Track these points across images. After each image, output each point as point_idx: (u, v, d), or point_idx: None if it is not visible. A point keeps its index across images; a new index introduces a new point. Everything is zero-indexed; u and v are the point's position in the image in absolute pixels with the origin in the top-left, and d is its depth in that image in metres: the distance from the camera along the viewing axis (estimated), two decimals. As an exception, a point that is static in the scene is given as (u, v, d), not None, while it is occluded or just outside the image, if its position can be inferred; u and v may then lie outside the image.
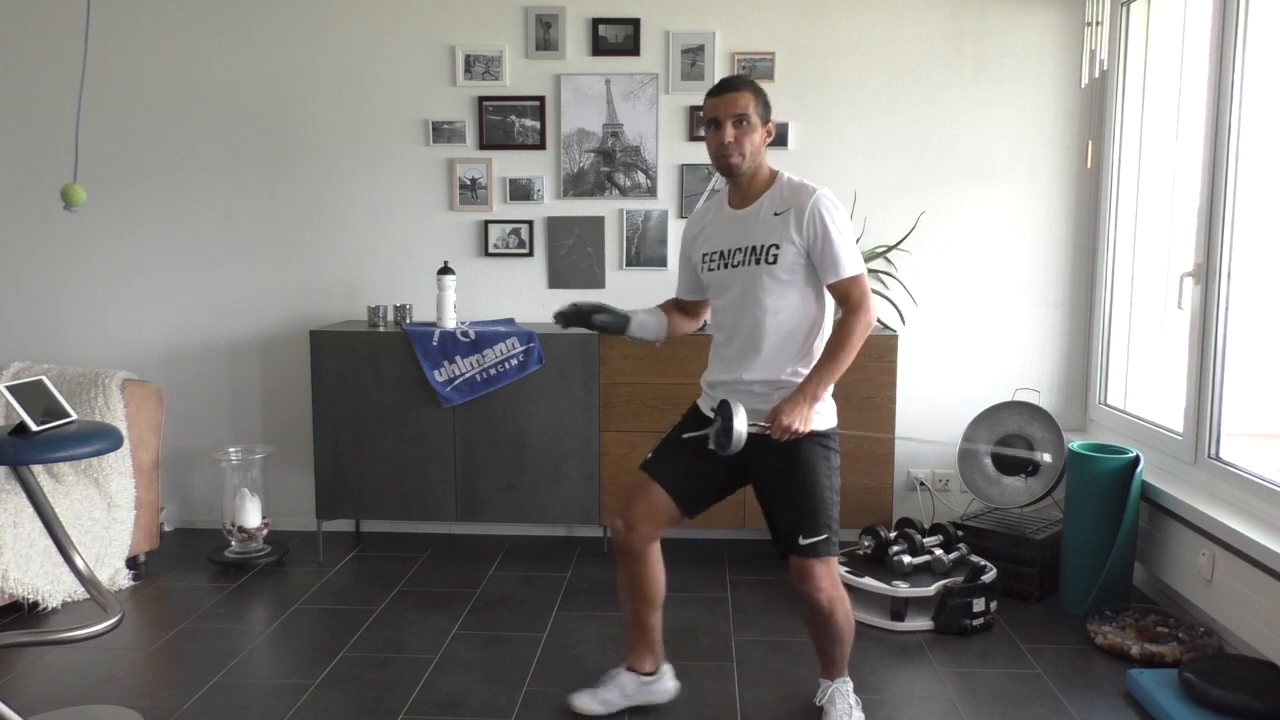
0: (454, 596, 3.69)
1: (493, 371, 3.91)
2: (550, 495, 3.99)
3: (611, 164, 4.25)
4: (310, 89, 4.27)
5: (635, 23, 4.17)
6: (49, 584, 3.44)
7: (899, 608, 3.39)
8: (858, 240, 4.05)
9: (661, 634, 2.83)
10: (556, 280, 4.32)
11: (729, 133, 2.52)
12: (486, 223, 4.30)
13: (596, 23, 4.18)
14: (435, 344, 3.91)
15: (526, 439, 3.96)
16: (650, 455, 2.75)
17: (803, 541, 2.54)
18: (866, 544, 3.67)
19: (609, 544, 4.19)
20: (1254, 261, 3.23)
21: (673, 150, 4.24)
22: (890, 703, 2.91)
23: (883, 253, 4.13)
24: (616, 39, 4.19)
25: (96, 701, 2.89)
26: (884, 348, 3.89)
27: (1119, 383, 4.08)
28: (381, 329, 4.04)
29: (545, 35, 4.19)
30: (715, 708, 2.87)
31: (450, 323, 3.98)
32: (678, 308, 2.89)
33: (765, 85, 4.08)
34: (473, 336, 3.92)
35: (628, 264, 4.30)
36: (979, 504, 4.04)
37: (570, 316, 2.74)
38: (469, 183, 4.28)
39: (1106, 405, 4.11)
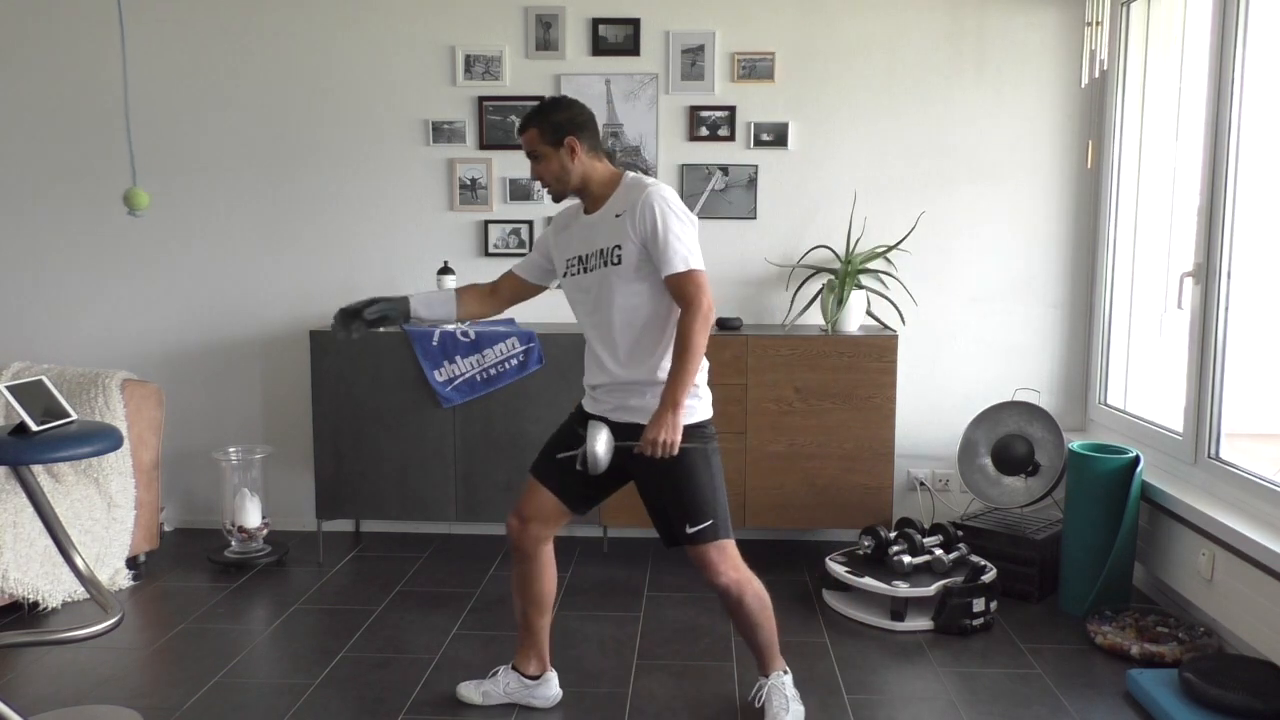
0: (454, 596, 3.69)
1: (493, 371, 3.91)
2: (550, 495, 3.98)
3: (611, 164, 4.24)
4: (310, 89, 4.27)
5: (635, 23, 4.17)
6: (49, 584, 3.44)
7: (899, 608, 3.39)
8: (857, 241, 4.11)
9: (549, 639, 2.87)
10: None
11: (532, 169, 2.63)
12: (486, 223, 4.30)
13: (596, 23, 4.18)
14: (435, 344, 3.91)
15: (526, 439, 3.96)
16: (537, 457, 2.80)
17: (689, 530, 2.58)
18: (866, 544, 3.67)
19: (609, 544, 4.20)
20: (1254, 261, 3.23)
21: (673, 150, 4.24)
22: (890, 703, 2.91)
23: (883, 253, 4.13)
24: (616, 39, 4.19)
25: (96, 701, 2.89)
26: (884, 348, 3.90)
27: (1119, 383, 4.08)
28: (381, 329, 4.03)
29: (545, 35, 4.20)
30: (715, 708, 2.87)
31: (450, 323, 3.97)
32: (491, 288, 2.88)
33: (765, 85, 4.17)
34: (473, 336, 3.92)
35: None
36: (979, 504, 4.04)
37: (342, 324, 2.70)
38: (469, 183, 4.28)
39: (1106, 405, 4.11)
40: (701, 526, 2.58)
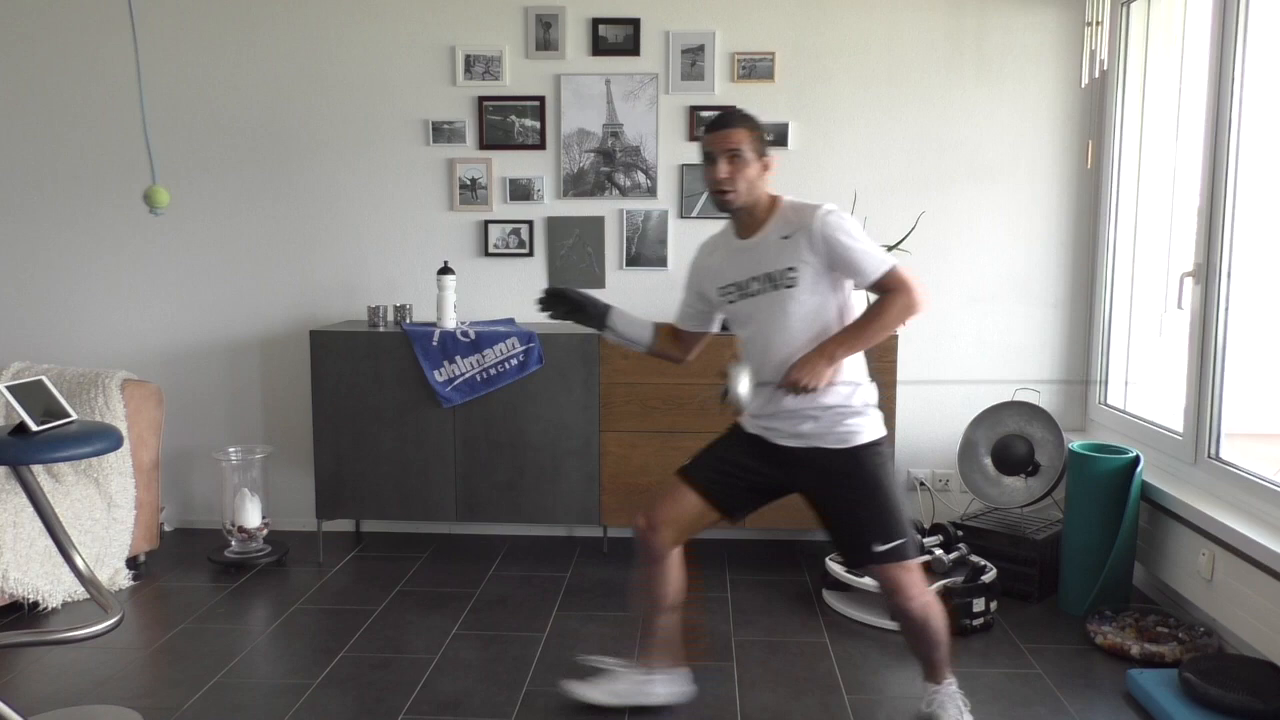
0: (454, 596, 3.69)
1: (493, 371, 3.91)
2: (550, 495, 3.99)
3: (611, 164, 4.25)
4: (310, 89, 4.27)
5: (635, 23, 4.17)
6: (49, 584, 3.44)
7: (899, 608, 3.39)
8: (858, 240, 4.11)
9: (673, 639, 2.81)
10: (556, 280, 4.32)
11: (723, 168, 2.52)
12: (486, 223, 4.31)
13: (596, 23, 4.18)
14: (435, 344, 3.91)
15: (526, 439, 3.96)
16: (688, 461, 2.75)
17: (878, 548, 2.50)
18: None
19: (609, 544, 4.19)
20: (1254, 261, 3.23)
21: (673, 150, 4.24)
22: (890, 702, 2.91)
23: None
24: (616, 39, 4.19)
25: (96, 701, 2.89)
26: (884, 347, 3.89)
27: (1119, 383, 4.08)
28: (381, 329, 4.04)
29: (545, 35, 4.19)
30: (715, 708, 2.87)
31: (450, 323, 3.98)
32: (671, 333, 2.86)
33: (765, 86, 4.17)
34: (473, 336, 3.92)
35: (628, 264, 4.30)
36: (979, 504, 4.04)
37: (549, 301, 2.72)
38: (469, 183, 4.28)
39: (1106, 405, 4.11)
40: (891, 545, 2.50)
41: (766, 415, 2.62)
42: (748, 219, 2.60)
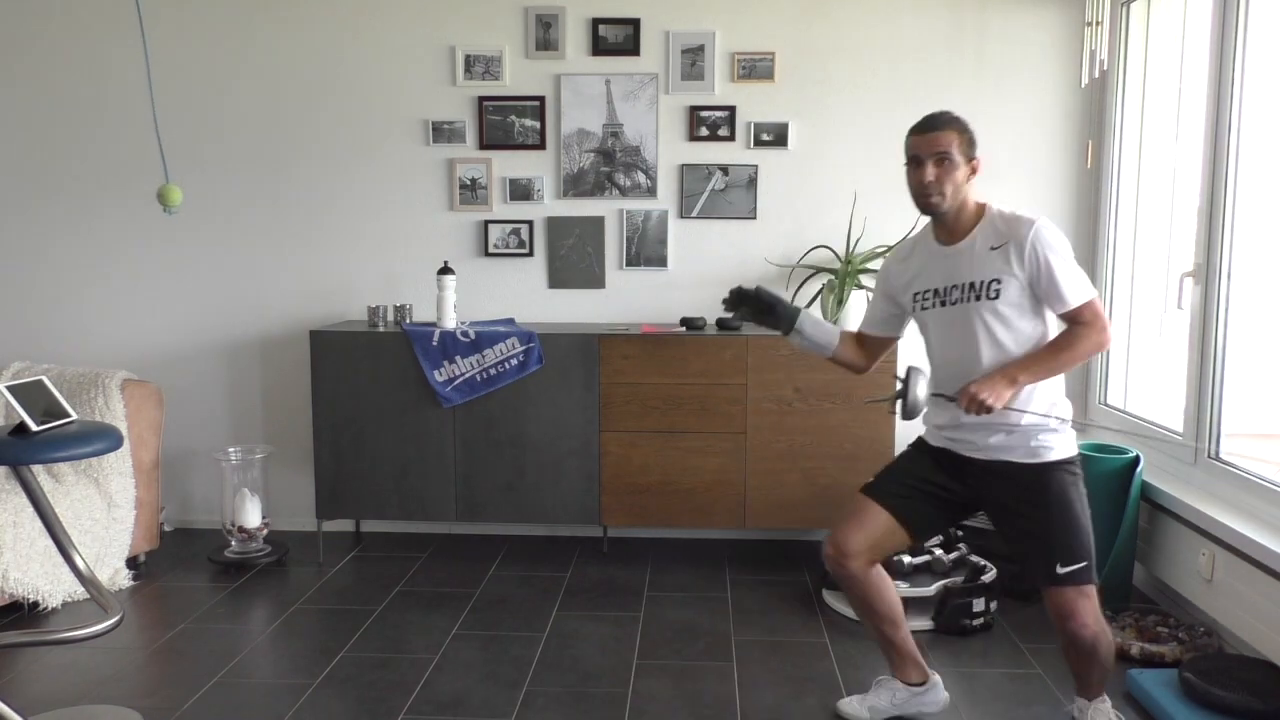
0: (454, 596, 3.69)
1: (493, 371, 3.91)
2: (550, 495, 3.98)
3: (611, 164, 4.25)
4: (310, 89, 4.27)
5: (635, 23, 4.17)
6: (49, 584, 3.44)
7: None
8: (857, 241, 4.11)
9: (915, 646, 2.77)
10: (556, 280, 4.32)
11: (930, 171, 2.45)
12: (486, 223, 4.30)
13: (596, 23, 4.18)
14: (435, 344, 3.91)
15: (526, 439, 3.96)
16: (873, 480, 2.70)
17: (1060, 570, 2.43)
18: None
19: (609, 544, 4.20)
20: (1254, 261, 3.23)
21: (673, 150, 4.24)
22: (890, 703, 2.91)
23: (883, 253, 4.12)
24: (616, 39, 4.19)
25: (96, 701, 2.89)
26: (884, 348, 3.89)
27: (1119, 383, 4.08)
28: (381, 329, 4.04)
29: (545, 35, 4.19)
30: (715, 708, 2.87)
31: (450, 323, 3.98)
32: (856, 339, 2.82)
33: (765, 86, 4.17)
34: (473, 336, 3.92)
35: (628, 264, 4.30)
36: (979, 504, 4.03)
37: (736, 300, 2.70)
38: (469, 183, 4.28)
39: (1106, 405, 4.11)
40: (1075, 568, 2.43)
41: (954, 426, 2.56)
42: (952, 224, 2.52)
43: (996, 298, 2.45)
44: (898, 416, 2.46)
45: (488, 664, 3.13)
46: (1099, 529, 3.40)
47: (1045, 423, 2.50)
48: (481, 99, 4.24)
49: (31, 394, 2.57)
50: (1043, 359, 2.44)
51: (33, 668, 3.10)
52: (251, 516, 4.03)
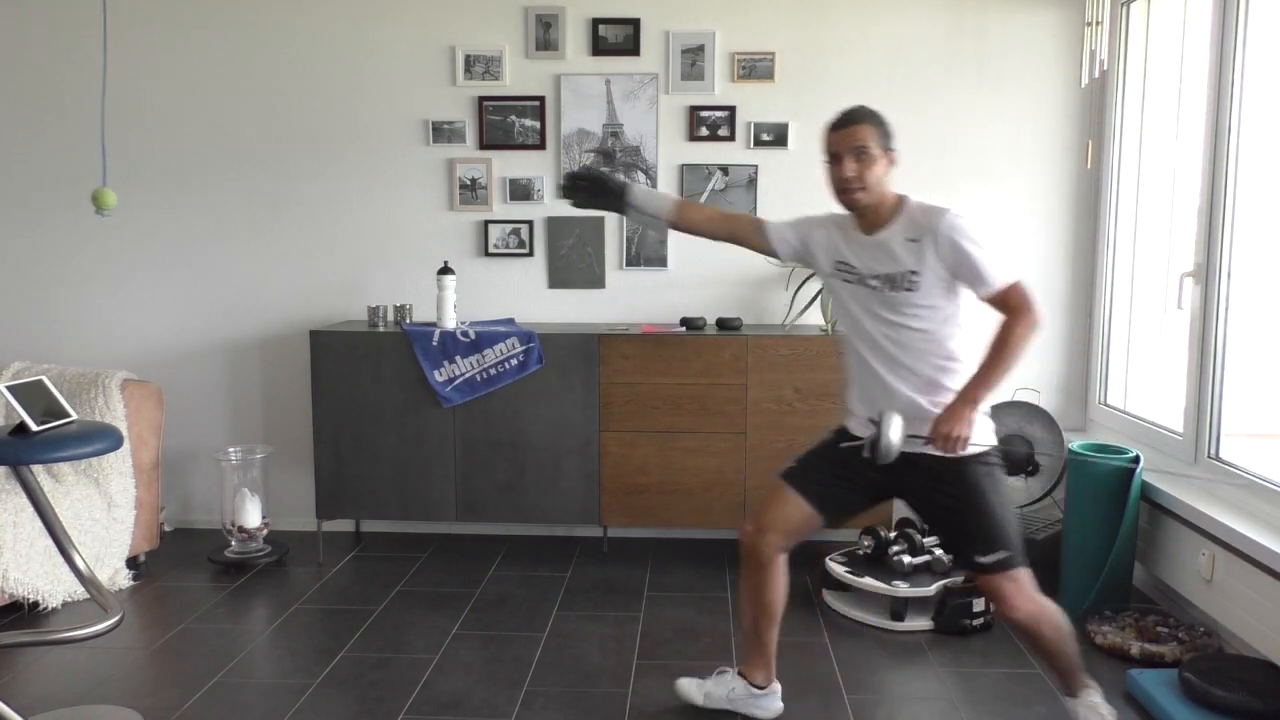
0: (454, 596, 3.69)
1: (493, 371, 3.91)
2: (550, 495, 3.99)
3: (611, 164, 4.25)
4: (310, 89, 4.27)
5: (635, 23, 4.17)
6: (49, 584, 3.44)
7: (899, 608, 3.39)
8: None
9: (774, 652, 2.78)
10: (556, 280, 4.32)
11: (850, 166, 2.48)
12: (486, 223, 4.30)
13: (596, 23, 4.18)
14: (435, 344, 3.92)
15: (526, 439, 3.96)
16: (792, 463, 2.72)
17: (980, 560, 2.48)
18: (866, 544, 3.67)
19: (609, 544, 4.20)
20: (1254, 261, 3.23)
21: (673, 150, 4.24)
22: (890, 702, 2.91)
23: (883, 253, 4.12)
24: (616, 39, 4.19)
25: (96, 701, 2.89)
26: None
27: (1119, 383, 4.08)
28: (381, 329, 4.04)
29: (545, 35, 4.20)
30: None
31: (450, 323, 3.98)
32: (721, 213, 2.81)
33: (765, 86, 4.17)
34: (473, 336, 3.92)
35: (628, 264, 4.30)
36: (979, 504, 4.03)
37: (568, 188, 2.75)
38: (469, 183, 4.28)
39: (1106, 405, 4.11)
40: (995, 558, 2.46)
41: (876, 418, 2.56)
42: (872, 216, 2.55)
43: (912, 289, 2.48)
44: (873, 459, 2.47)
45: (488, 664, 3.13)
46: (1099, 529, 3.43)
47: None
48: (481, 99, 4.24)
49: (31, 394, 2.57)
50: (992, 368, 2.44)
51: (33, 668, 3.10)
52: (251, 516, 4.03)
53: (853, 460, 2.58)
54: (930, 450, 2.45)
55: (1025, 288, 2.46)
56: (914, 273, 2.47)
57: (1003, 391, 4.13)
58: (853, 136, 2.49)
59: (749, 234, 2.77)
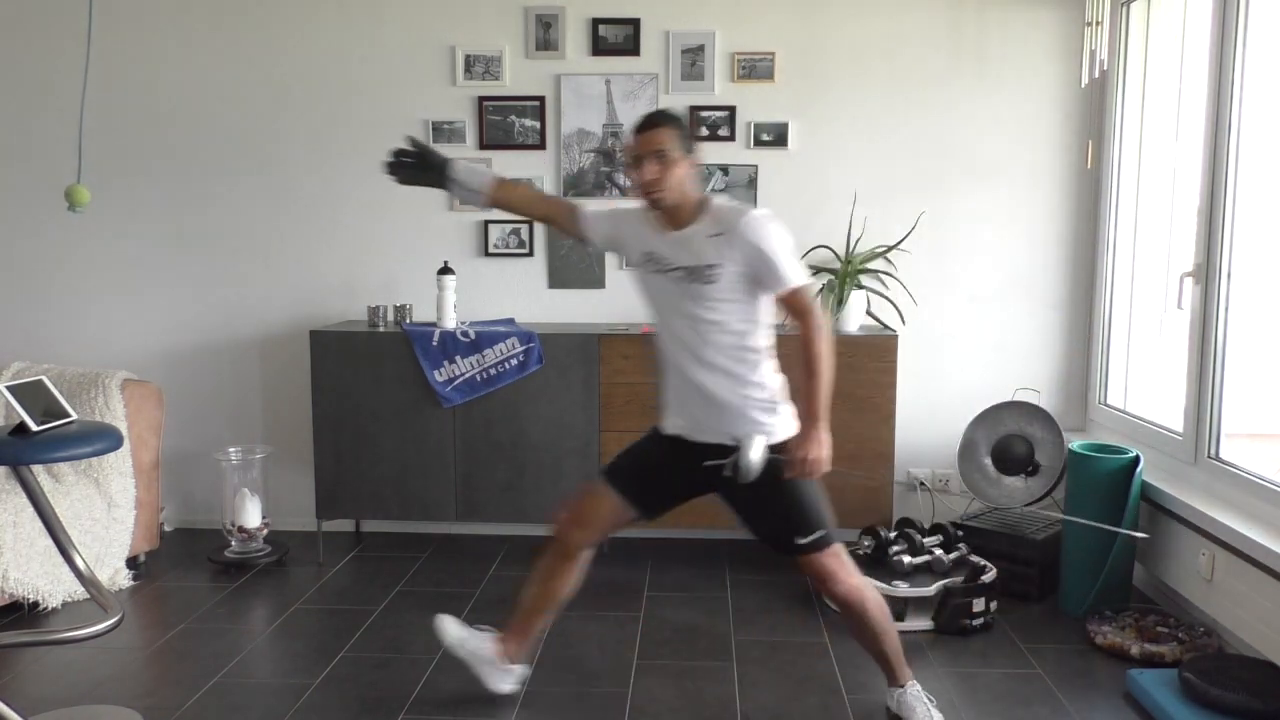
0: (454, 596, 3.69)
1: (493, 371, 3.91)
2: (550, 495, 3.98)
3: (611, 164, 4.25)
4: (310, 89, 4.27)
5: (635, 23, 4.17)
6: (49, 584, 3.44)
7: (899, 608, 3.38)
8: (857, 241, 4.11)
9: (534, 638, 2.91)
10: (556, 280, 4.32)
11: (651, 169, 2.54)
12: (486, 223, 4.30)
13: (596, 23, 4.18)
14: (435, 344, 3.92)
15: (526, 439, 3.96)
16: (613, 462, 2.82)
17: (799, 541, 2.60)
18: (866, 544, 3.67)
19: (609, 544, 4.18)
20: (1254, 261, 3.23)
21: (673, 150, 4.23)
22: (890, 703, 2.91)
23: (883, 253, 4.13)
24: (616, 39, 4.19)
25: (96, 701, 2.89)
26: (884, 348, 3.89)
27: (1119, 383, 4.08)
28: (381, 329, 4.04)
29: (545, 35, 4.20)
30: (715, 708, 2.87)
31: (450, 323, 3.98)
32: (540, 195, 2.91)
33: (765, 86, 4.17)
34: (473, 336, 3.92)
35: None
36: (979, 504, 4.04)
37: (392, 166, 2.75)
38: (469, 183, 4.27)
39: (1106, 405, 4.11)
40: (813, 537, 2.59)
41: (687, 405, 2.67)
42: (675, 215, 2.61)
43: (711, 282, 2.54)
44: (735, 478, 2.55)
45: (488, 664, 3.13)
46: (1099, 529, 3.42)
47: (765, 404, 2.59)
48: (481, 99, 4.24)
49: (31, 394, 2.57)
50: (817, 382, 2.53)
51: (33, 668, 3.10)
52: (251, 516, 4.03)
53: (669, 459, 2.70)
54: (796, 472, 2.54)
55: (811, 292, 2.57)
56: (712, 266, 2.54)
57: (1003, 391, 4.15)
58: (653, 141, 2.55)
59: (565, 219, 2.83)
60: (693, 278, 2.56)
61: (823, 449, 2.52)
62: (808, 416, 2.54)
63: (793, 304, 2.55)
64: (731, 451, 2.54)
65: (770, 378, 2.63)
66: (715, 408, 2.60)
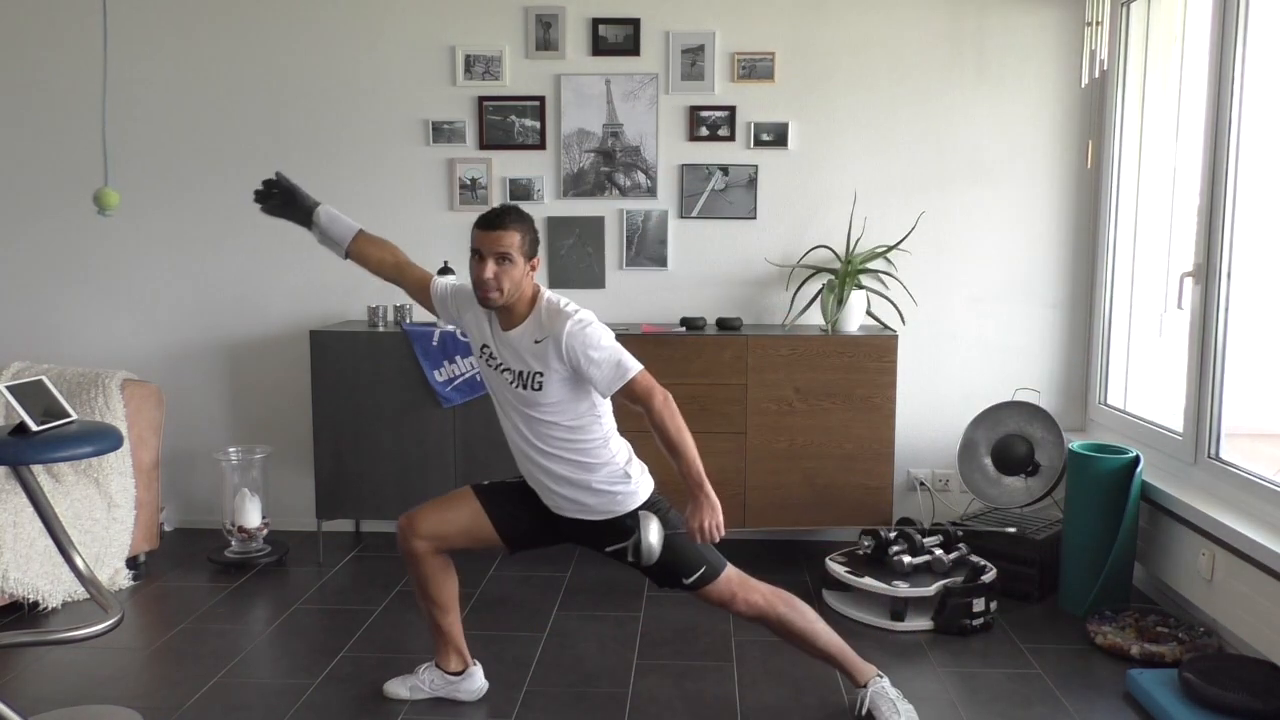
0: (454, 596, 3.69)
1: (493, 371, 3.91)
2: (550, 495, 3.98)
3: (611, 164, 4.25)
4: (310, 89, 4.27)
5: (635, 23, 4.17)
6: (49, 584, 3.44)
7: (899, 608, 3.39)
8: (857, 241, 4.11)
9: (460, 636, 2.90)
10: (557, 280, 4.32)
11: (489, 268, 2.52)
12: (486, 223, 4.30)
13: (596, 23, 4.18)
14: (435, 344, 3.91)
15: (526, 439, 3.95)
16: (487, 483, 2.81)
17: (686, 581, 2.65)
18: (866, 544, 3.67)
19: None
20: (1254, 261, 3.23)
21: (673, 150, 4.24)
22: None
23: (883, 253, 4.13)
24: (616, 39, 4.19)
25: (96, 701, 2.89)
26: (884, 348, 3.89)
27: (1119, 383, 4.08)
28: (381, 329, 4.04)
29: (545, 35, 4.19)
30: (715, 708, 2.87)
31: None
32: (394, 258, 2.82)
33: (765, 86, 4.17)
34: (473, 336, 3.91)
35: (628, 264, 4.30)
36: (979, 504, 4.04)
37: (268, 189, 2.77)
38: (469, 183, 4.28)
39: (1106, 405, 4.11)
40: (696, 576, 2.65)
41: (537, 481, 2.69)
42: (507, 314, 2.62)
43: (539, 389, 2.57)
44: (638, 563, 2.57)
45: (488, 664, 3.12)
46: (1099, 529, 3.43)
47: (615, 481, 2.64)
48: (481, 99, 4.24)
49: (31, 394, 2.57)
50: (688, 452, 2.54)
51: (33, 668, 3.10)
52: (251, 516, 4.03)
53: (529, 509, 2.72)
54: (697, 540, 2.56)
55: (646, 377, 2.54)
56: (540, 374, 2.56)
57: (1002, 391, 4.15)
58: (498, 242, 2.52)
59: (414, 289, 2.83)
60: (520, 383, 2.59)
61: (716, 513, 2.54)
62: (691, 485, 2.54)
63: (631, 395, 2.55)
64: (620, 531, 2.60)
65: (615, 452, 2.66)
66: (566, 486, 2.65)
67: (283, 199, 2.79)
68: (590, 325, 2.56)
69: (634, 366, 2.54)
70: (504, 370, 2.63)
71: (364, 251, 2.80)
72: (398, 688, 2.90)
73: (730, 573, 2.70)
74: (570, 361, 2.53)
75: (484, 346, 2.69)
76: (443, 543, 2.77)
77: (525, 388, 2.58)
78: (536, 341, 2.56)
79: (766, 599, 2.72)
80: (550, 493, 2.69)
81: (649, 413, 2.54)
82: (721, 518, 2.55)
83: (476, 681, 2.91)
